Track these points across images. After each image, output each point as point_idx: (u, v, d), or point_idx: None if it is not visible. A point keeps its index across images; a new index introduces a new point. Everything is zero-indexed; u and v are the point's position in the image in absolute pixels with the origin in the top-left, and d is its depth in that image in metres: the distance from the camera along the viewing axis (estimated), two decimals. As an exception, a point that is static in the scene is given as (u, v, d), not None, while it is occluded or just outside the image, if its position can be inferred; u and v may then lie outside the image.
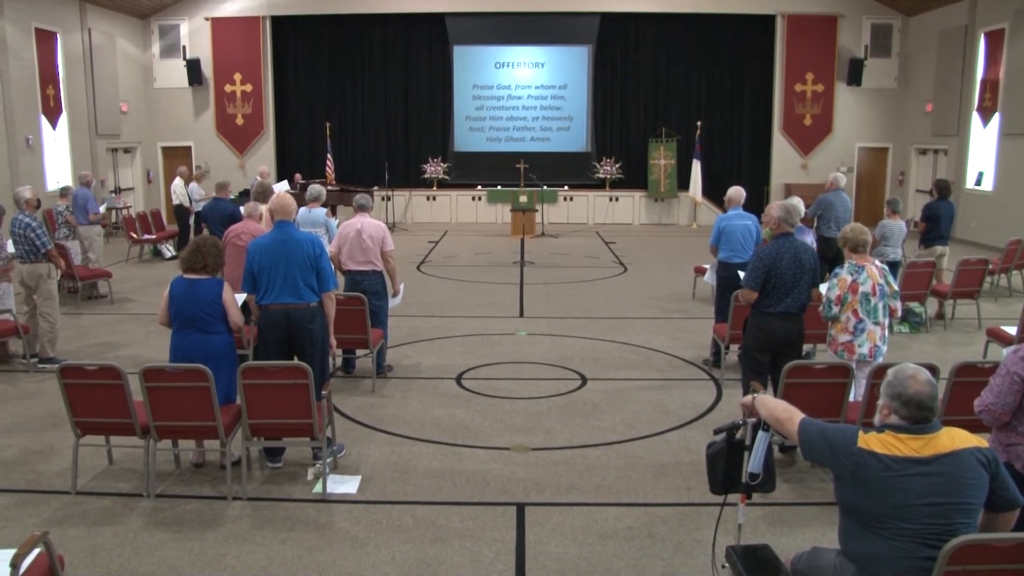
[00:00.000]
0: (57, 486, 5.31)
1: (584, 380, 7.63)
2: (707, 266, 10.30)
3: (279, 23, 20.44)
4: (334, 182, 19.07)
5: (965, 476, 2.88)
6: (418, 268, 13.91)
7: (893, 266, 9.50)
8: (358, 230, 7.38)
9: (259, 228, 7.25)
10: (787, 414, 3.22)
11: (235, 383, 5.24)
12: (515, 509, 5.02)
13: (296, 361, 5.48)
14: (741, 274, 6.49)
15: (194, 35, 20.14)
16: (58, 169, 16.43)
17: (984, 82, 16.68)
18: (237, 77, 20.21)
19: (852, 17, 19.74)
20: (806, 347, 7.38)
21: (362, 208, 7.56)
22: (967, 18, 17.19)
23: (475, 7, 19.90)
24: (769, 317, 5.71)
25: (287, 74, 21.00)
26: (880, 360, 5.63)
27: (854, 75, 19.63)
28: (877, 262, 5.83)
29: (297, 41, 20.91)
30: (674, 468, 5.62)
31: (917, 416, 2.93)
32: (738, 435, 3.49)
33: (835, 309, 5.67)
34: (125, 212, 17.25)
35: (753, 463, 3.42)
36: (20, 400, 7.10)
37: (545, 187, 19.08)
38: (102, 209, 12.93)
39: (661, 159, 20.17)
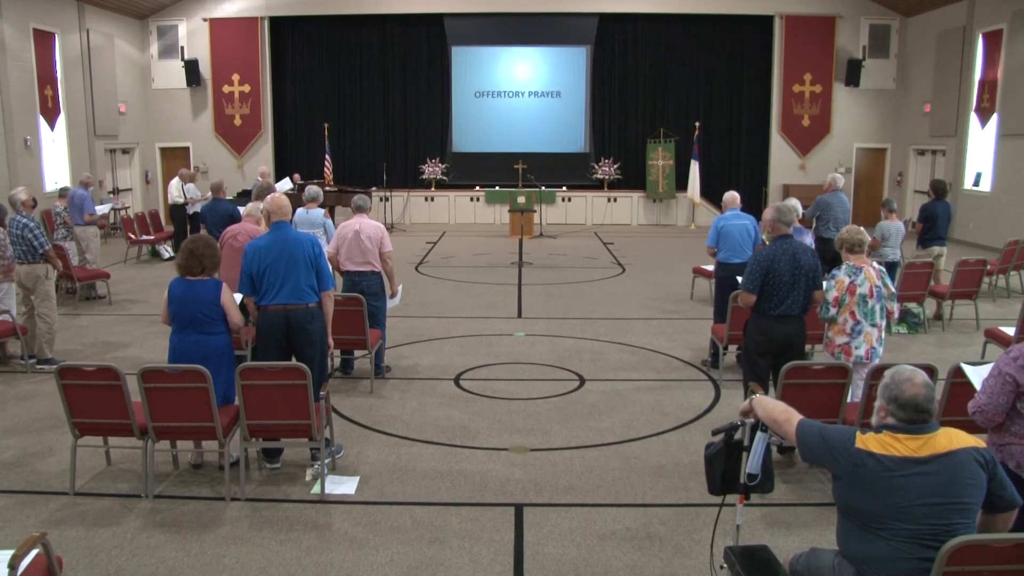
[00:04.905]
0: (55, 487, 5.31)
1: (582, 381, 7.63)
2: (709, 267, 10.29)
3: (277, 24, 20.43)
4: (332, 183, 19.07)
5: (963, 476, 2.89)
6: (416, 269, 13.91)
7: (892, 267, 9.51)
8: (356, 231, 7.38)
9: (257, 229, 7.24)
10: (785, 415, 3.22)
11: (233, 384, 5.24)
12: (513, 510, 5.02)
13: (294, 362, 5.48)
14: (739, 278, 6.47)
15: (192, 36, 20.14)
16: (56, 170, 16.41)
17: (982, 83, 16.70)
18: (235, 78, 20.20)
19: (850, 18, 19.76)
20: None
21: (360, 209, 7.56)
22: (965, 19, 17.21)
23: (473, 8, 19.91)
24: (769, 320, 5.69)
25: (285, 75, 20.99)
26: (877, 361, 5.63)
27: (852, 76, 19.64)
28: (875, 264, 5.84)
29: (295, 42, 20.91)
30: (672, 469, 5.62)
31: (914, 418, 2.93)
32: (736, 436, 3.49)
33: (832, 311, 5.67)
34: (123, 213, 17.23)
35: (751, 464, 3.42)
36: (18, 401, 7.09)
37: (543, 188, 19.09)
38: (104, 210, 12.90)
39: (659, 160, 20.19)
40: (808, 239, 8.84)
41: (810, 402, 4.96)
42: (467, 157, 21.23)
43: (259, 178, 12.69)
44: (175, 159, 20.36)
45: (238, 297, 5.79)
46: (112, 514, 4.94)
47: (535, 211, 18.22)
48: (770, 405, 3.32)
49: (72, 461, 5.21)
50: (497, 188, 20.30)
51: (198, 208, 14.12)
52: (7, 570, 2.94)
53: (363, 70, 21.02)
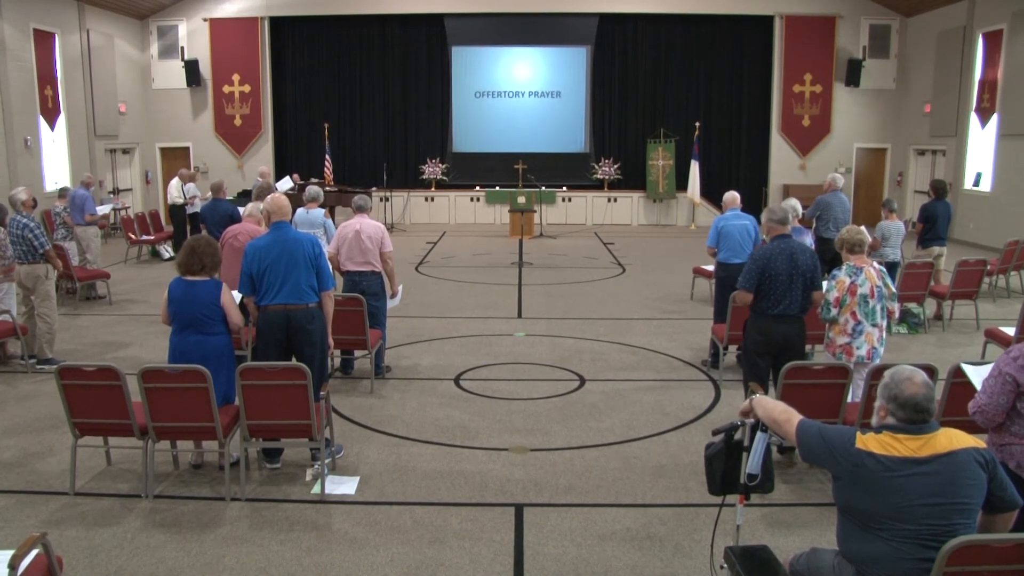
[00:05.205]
0: (55, 487, 5.31)
1: (583, 381, 7.63)
2: (709, 267, 10.28)
3: (277, 24, 20.44)
4: (332, 183, 19.07)
5: (963, 476, 2.89)
6: (416, 269, 13.91)
7: (892, 267, 9.51)
8: (357, 231, 7.38)
9: (257, 229, 7.24)
10: (785, 415, 3.22)
11: (233, 384, 5.24)
12: (513, 510, 5.02)
13: (294, 362, 5.48)
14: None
15: (192, 36, 20.14)
16: (56, 170, 16.41)
17: (982, 83, 16.70)
18: (235, 78, 20.20)
19: (850, 18, 19.75)
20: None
21: (361, 209, 7.57)
22: (965, 19, 17.21)
23: (473, 8, 19.91)
24: (768, 319, 5.69)
25: (285, 75, 20.99)
26: (878, 361, 5.63)
27: (852, 76, 19.64)
28: (875, 264, 5.84)
29: (295, 42, 20.91)
30: (672, 469, 5.62)
31: (913, 418, 2.93)
32: (736, 436, 3.49)
33: (833, 311, 5.67)
34: (124, 213, 17.24)
35: (752, 464, 3.42)
36: (18, 401, 7.09)
37: (543, 188, 19.10)
38: (105, 210, 12.89)
39: (659, 160, 20.18)
40: (808, 239, 8.84)
41: (810, 402, 4.95)
42: (467, 157, 21.23)
43: (259, 178, 12.68)
44: (175, 159, 20.36)
45: (238, 297, 5.79)
46: (112, 514, 4.94)
47: (535, 211, 18.22)
48: (770, 405, 3.32)
49: (72, 461, 5.21)
50: (497, 188, 20.30)
51: (198, 208, 14.13)
52: (7, 570, 2.94)
53: (363, 70, 21.02)
